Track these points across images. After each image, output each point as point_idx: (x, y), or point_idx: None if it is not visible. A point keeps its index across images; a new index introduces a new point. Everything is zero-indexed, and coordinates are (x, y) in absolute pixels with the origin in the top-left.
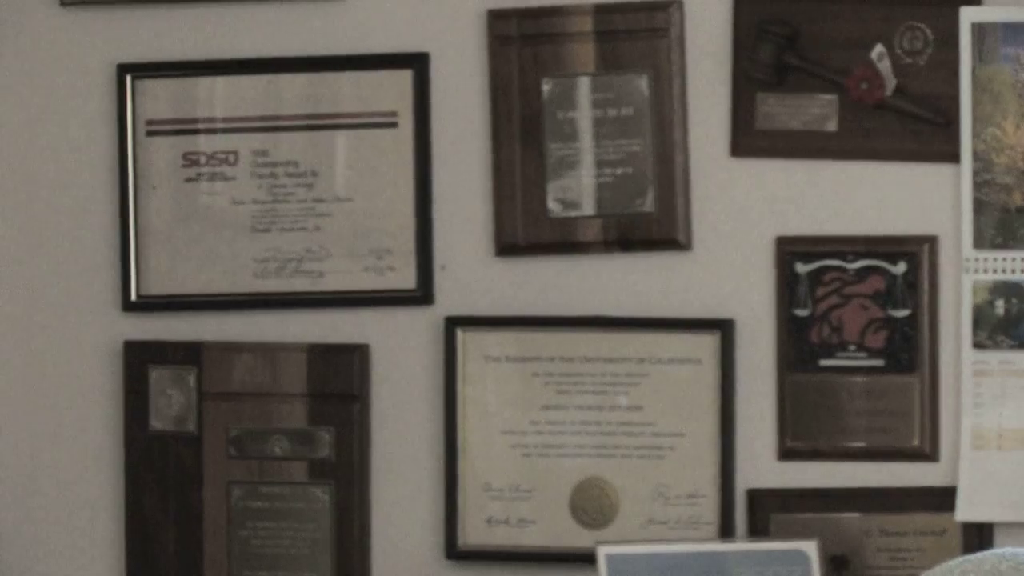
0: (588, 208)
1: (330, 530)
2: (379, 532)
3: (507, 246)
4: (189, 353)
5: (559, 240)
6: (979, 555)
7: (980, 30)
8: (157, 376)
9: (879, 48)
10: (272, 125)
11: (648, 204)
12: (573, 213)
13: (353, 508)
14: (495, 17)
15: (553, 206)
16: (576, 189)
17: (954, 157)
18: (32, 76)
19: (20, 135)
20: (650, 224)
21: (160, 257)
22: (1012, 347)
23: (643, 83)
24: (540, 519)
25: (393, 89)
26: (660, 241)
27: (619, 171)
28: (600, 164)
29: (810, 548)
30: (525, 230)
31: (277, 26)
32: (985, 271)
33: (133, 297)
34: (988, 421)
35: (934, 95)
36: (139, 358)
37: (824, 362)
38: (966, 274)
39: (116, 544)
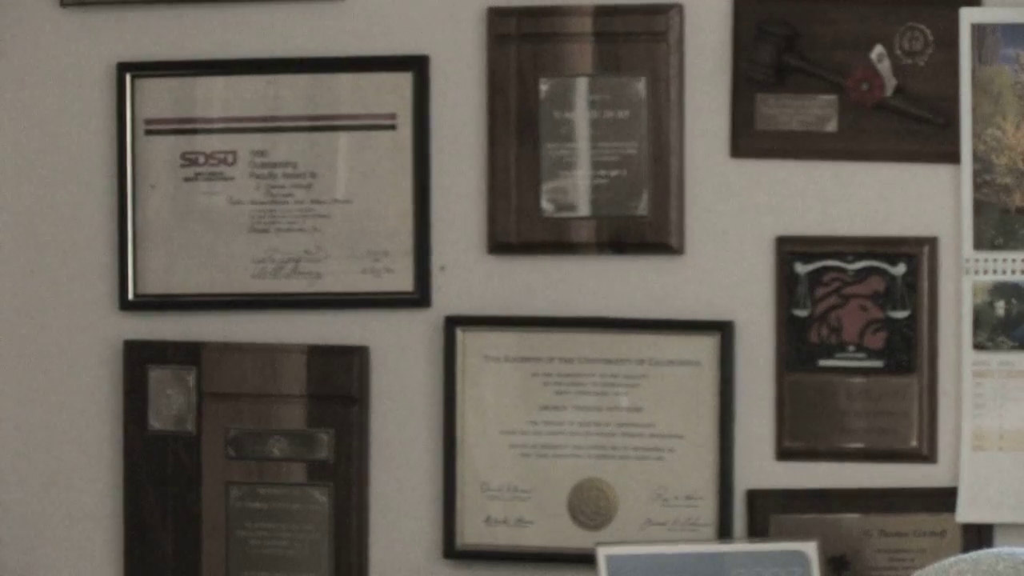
0: (582, 209)
1: (328, 531)
2: (377, 532)
3: (499, 244)
4: (189, 353)
5: (552, 240)
6: (975, 554)
7: (980, 31)
8: (156, 376)
9: (879, 49)
10: (271, 126)
11: (642, 207)
12: (567, 214)
13: (351, 509)
14: (495, 15)
15: (547, 206)
16: (571, 190)
17: (954, 158)
18: (32, 76)
19: (20, 134)
20: (643, 227)
21: (157, 256)
22: (1012, 348)
23: (640, 86)
24: (538, 519)
25: (393, 91)
26: (652, 245)
27: (614, 173)
28: (596, 165)
29: (809, 549)
30: (518, 229)
31: (277, 26)
32: (985, 272)
33: (130, 296)
34: (989, 422)
35: (934, 96)
36: (138, 358)
37: (823, 363)
38: (966, 275)
39: (115, 544)
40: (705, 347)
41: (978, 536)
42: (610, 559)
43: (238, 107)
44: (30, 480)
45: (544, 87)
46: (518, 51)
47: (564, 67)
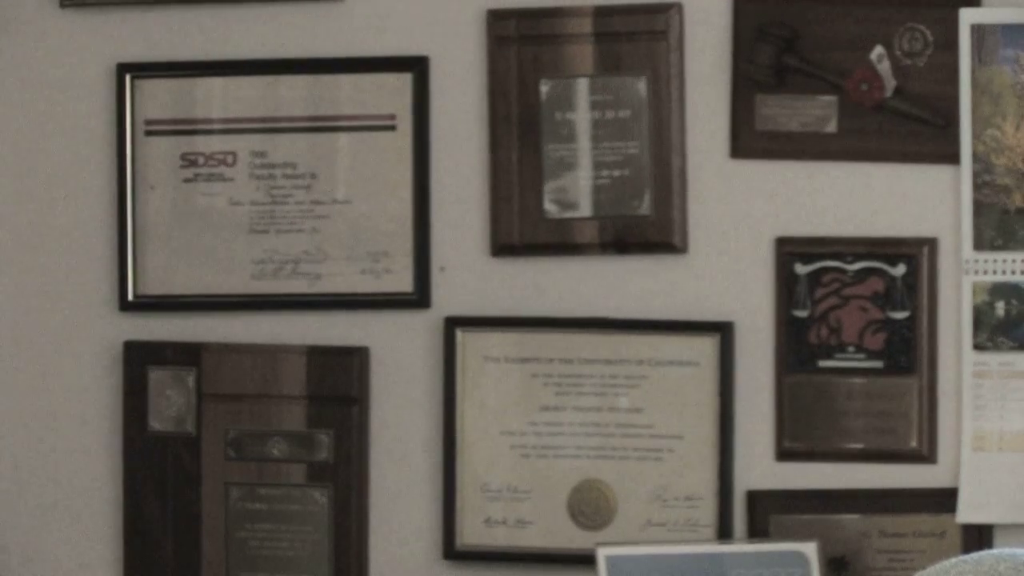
0: (585, 209)
1: (328, 532)
2: (377, 532)
3: (503, 246)
4: (189, 354)
5: (555, 241)
6: (976, 555)
7: (980, 31)
8: (156, 377)
9: (879, 49)
10: (271, 126)
11: (645, 207)
12: (570, 214)
13: (351, 510)
14: (495, 17)
15: (550, 207)
16: (573, 190)
17: (954, 158)
18: (32, 76)
19: (20, 135)
20: (646, 227)
21: (157, 257)
22: (1012, 349)
23: (641, 85)
24: (538, 520)
25: (392, 92)
26: (656, 244)
27: (616, 173)
28: (597, 166)
29: (809, 550)
30: (521, 230)
31: (277, 27)
32: (985, 272)
33: (130, 297)
34: (989, 423)
35: (934, 96)
36: (138, 359)
37: (823, 363)
38: (966, 276)
39: (114, 545)
40: (705, 347)
41: (978, 537)
42: (610, 560)
43: (238, 108)
44: (30, 480)
45: (545, 88)
46: (518, 52)
47: (565, 68)
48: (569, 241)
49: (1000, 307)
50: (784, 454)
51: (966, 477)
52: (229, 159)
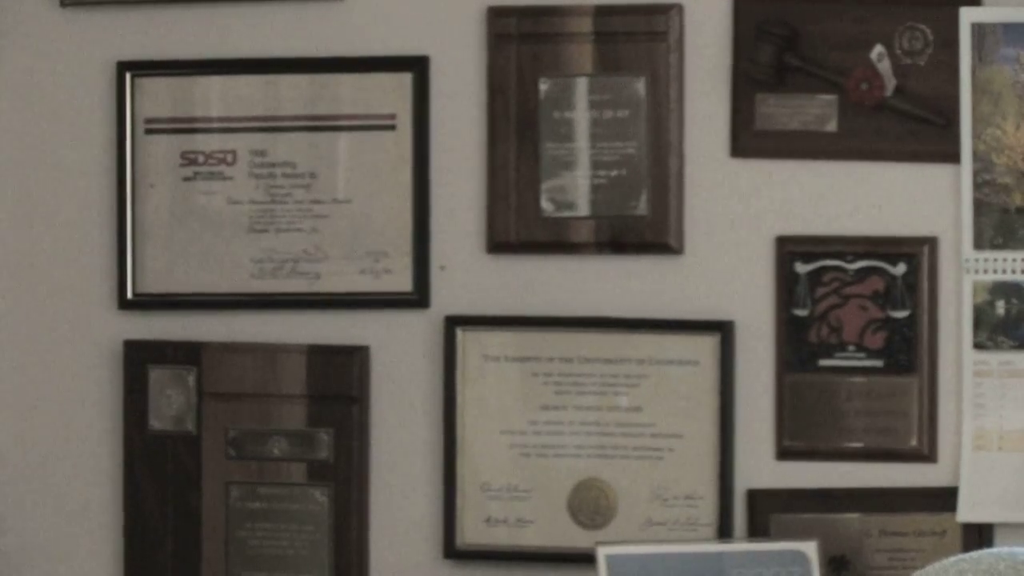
0: (582, 209)
1: (328, 531)
2: (378, 531)
3: (498, 244)
4: (189, 353)
5: (551, 240)
6: (976, 554)
7: (980, 30)
8: (156, 376)
9: (879, 48)
10: (271, 126)
11: (641, 207)
12: (566, 213)
13: (351, 509)
14: (495, 15)
15: (546, 205)
16: (570, 190)
17: (954, 158)
18: (32, 75)
19: (20, 133)
20: (642, 227)
21: (157, 256)
22: (1012, 348)
23: (640, 86)
24: (538, 519)
25: (392, 92)
26: (651, 244)
27: (613, 173)
28: (595, 165)
29: (809, 549)
30: (518, 229)
31: (277, 26)
32: (985, 272)
33: (130, 295)
34: (989, 422)
35: (934, 95)
36: (138, 357)
37: (823, 362)
38: (966, 275)
39: (115, 544)
40: (705, 347)
41: (978, 536)
42: (610, 559)
43: (238, 107)
44: (30, 480)
45: (544, 87)
46: (518, 51)
47: (564, 67)
48: (565, 240)
49: (1000, 306)
50: (784, 453)
51: (966, 476)
52: (229, 158)
